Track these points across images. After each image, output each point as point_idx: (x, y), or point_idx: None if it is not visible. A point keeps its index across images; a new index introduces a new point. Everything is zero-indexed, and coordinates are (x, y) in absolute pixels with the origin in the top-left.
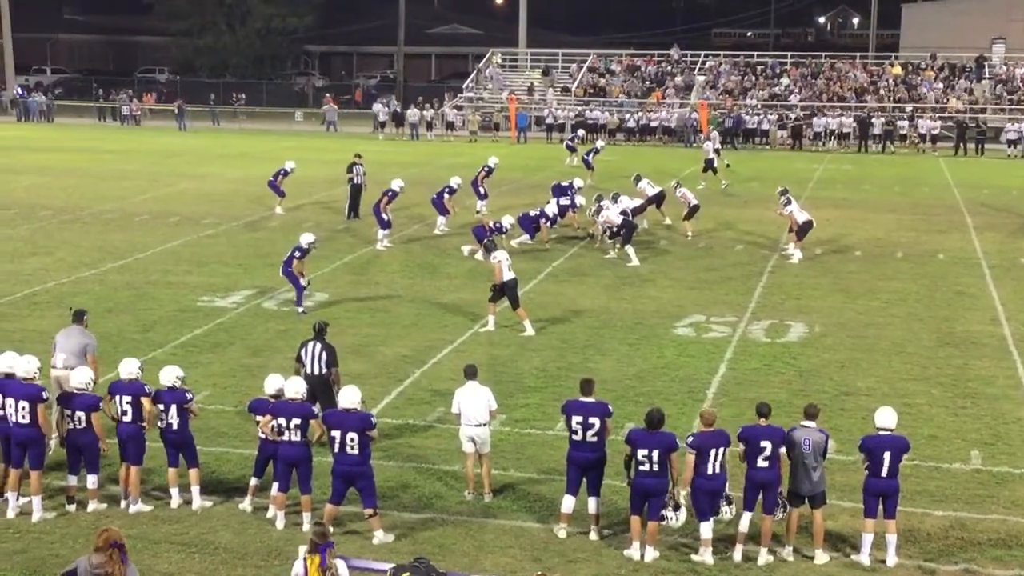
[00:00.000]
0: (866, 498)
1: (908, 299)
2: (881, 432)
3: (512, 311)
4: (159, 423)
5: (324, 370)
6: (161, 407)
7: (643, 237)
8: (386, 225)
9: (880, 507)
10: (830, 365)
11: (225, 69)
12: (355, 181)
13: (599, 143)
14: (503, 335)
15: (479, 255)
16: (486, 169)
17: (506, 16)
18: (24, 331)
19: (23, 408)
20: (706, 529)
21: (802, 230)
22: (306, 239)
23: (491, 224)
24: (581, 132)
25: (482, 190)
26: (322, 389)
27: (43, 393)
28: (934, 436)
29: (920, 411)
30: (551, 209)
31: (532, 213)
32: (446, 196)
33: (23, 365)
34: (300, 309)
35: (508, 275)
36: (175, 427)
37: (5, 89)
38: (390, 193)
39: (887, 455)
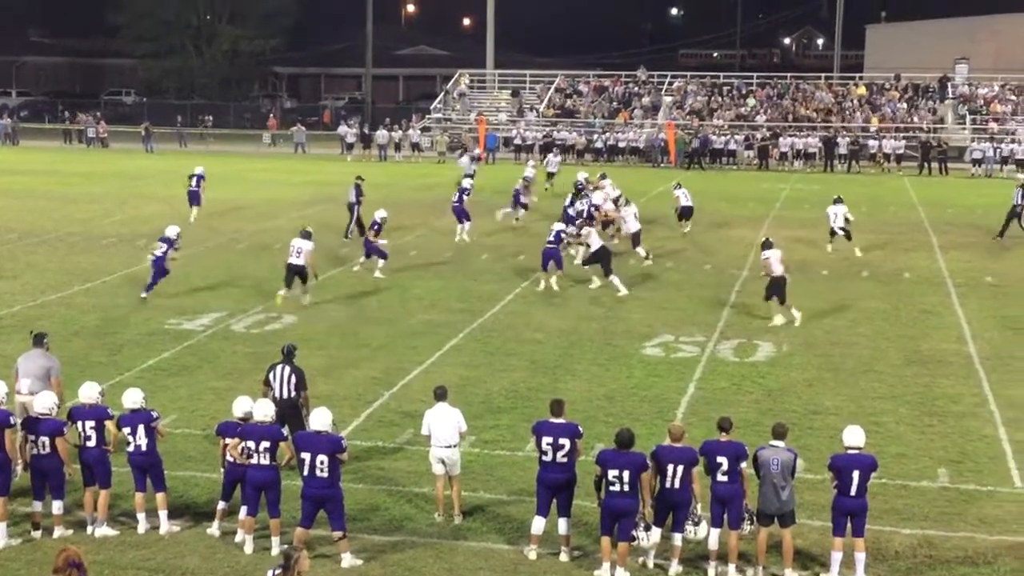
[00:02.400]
0: (835, 517)
1: (875, 318)
2: (850, 451)
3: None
4: (127, 447)
5: (293, 393)
6: (128, 430)
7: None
8: (383, 255)
9: (849, 525)
10: (798, 384)
11: (192, 91)
12: (351, 200)
13: (528, 170)
14: (472, 356)
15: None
16: (524, 181)
17: (474, 38)
18: None
19: None
20: (656, 534)
21: (634, 238)
22: (172, 230)
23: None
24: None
25: (524, 200)
26: (291, 413)
27: (10, 418)
28: (902, 454)
29: (887, 429)
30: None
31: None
32: (464, 199)
33: None
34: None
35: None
36: (144, 449)
37: None
38: (375, 225)
39: (856, 474)
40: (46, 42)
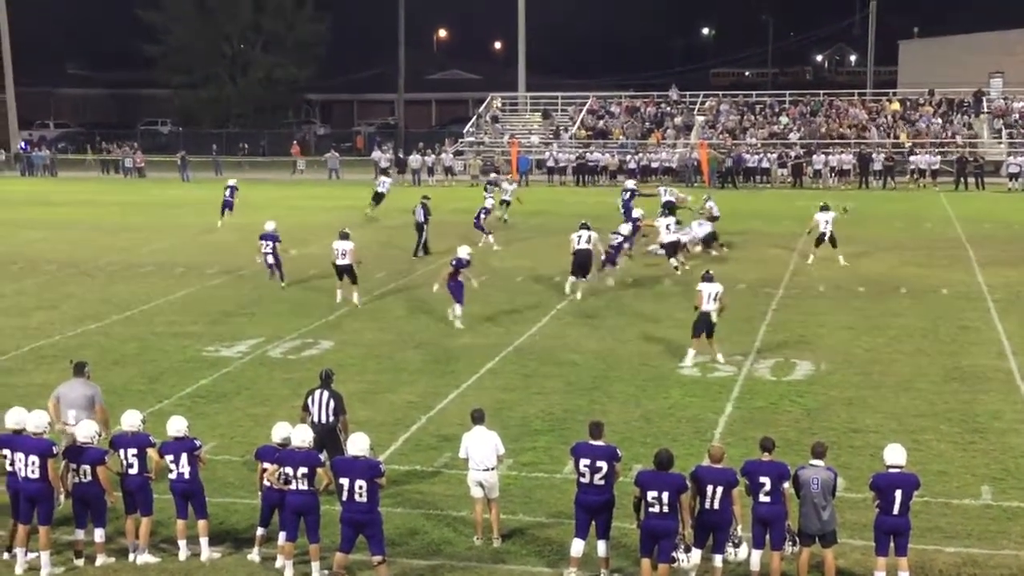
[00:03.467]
0: (877, 536)
1: (914, 335)
2: (891, 469)
3: None
4: (169, 474)
5: (331, 418)
6: (171, 458)
7: (647, 277)
8: (459, 299)
9: (891, 545)
10: (837, 402)
11: (227, 119)
12: (419, 220)
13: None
14: (509, 379)
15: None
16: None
17: (505, 61)
18: (30, 385)
19: (33, 463)
20: (696, 556)
21: (668, 249)
22: (270, 225)
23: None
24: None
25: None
26: (330, 438)
27: (53, 448)
28: (943, 472)
29: (929, 447)
30: (625, 230)
31: (613, 244)
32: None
33: (34, 420)
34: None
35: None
36: (186, 476)
37: (8, 150)
38: (458, 263)
39: (898, 493)
40: (83, 74)
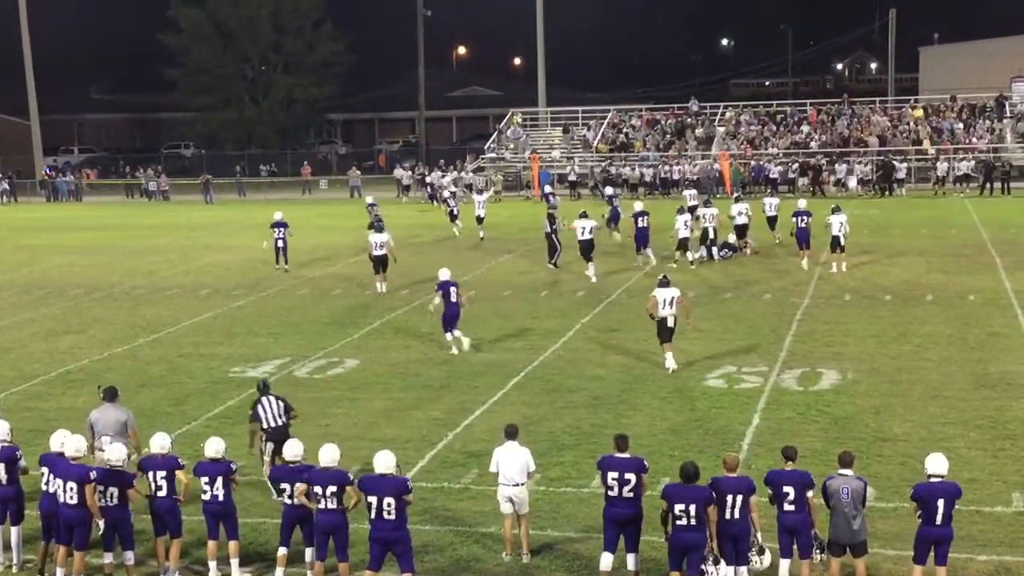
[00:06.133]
0: (918, 545)
1: (941, 342)
2: (932, 479)
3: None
4: (203, 495)
5: (283, 419)
6: (205, 479)
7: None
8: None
9: (931, 554)
10: (865, 412)
11: (250, 141)
12: (547, 231)
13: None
14: (535, 394)
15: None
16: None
17: (525, 77)
18: (59, 409)
19: (71, 489)
20: (724, 569)
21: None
22: (278, 215)
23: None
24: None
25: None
26: (286, 438)
27: (91, 474)
28: (974, 479)
29: (959, 455)
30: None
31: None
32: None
33: (73, 444)
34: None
35: None
36: (220, 498)
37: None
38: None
39: (940, 502)
40: (106, 99)
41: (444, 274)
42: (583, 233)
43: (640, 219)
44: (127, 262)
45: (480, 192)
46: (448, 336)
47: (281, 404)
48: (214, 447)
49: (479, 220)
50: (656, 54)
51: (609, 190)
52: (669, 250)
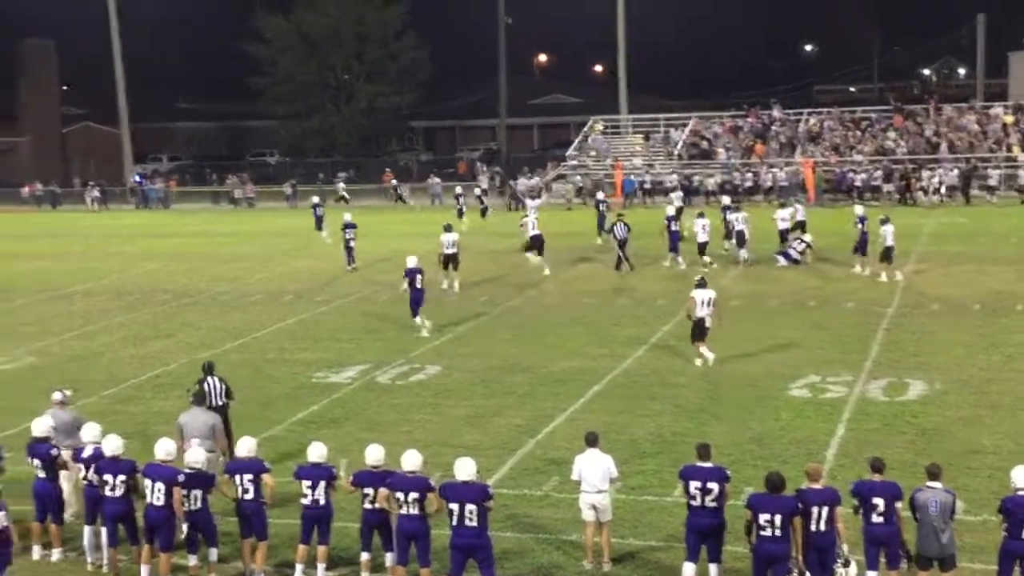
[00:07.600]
0: (1002, 560)
1: None
2: (1020, 492)
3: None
4: (303, 499)
5: (224, 399)
6: (307, 483)
7: (749, 293)
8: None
9: (1016, 569)
10: (954, 423)
11: (333, 148)
12: (618, 236)
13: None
14: (616, 402)
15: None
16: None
17: (606, 84)
18: (149, 413)
19: (159, 490)
20: None
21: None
22: (411, 261)
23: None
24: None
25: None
26: (224, 417)
27: (179, 476)
28: None
29: None
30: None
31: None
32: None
33: (163, 448)
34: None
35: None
36: (321, 503)
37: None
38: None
39: None
40: (194, 107)
41: (411, 261)
42: (702, 233)
43: (672, 223)
44: (213, 268)
45: (533, 198)
46: (416, 320)
47: (223, 386)
48: (317, 452)
49: (533, 245)
50: (738, 62)
51: (600, 195)
52: (700, 253)
